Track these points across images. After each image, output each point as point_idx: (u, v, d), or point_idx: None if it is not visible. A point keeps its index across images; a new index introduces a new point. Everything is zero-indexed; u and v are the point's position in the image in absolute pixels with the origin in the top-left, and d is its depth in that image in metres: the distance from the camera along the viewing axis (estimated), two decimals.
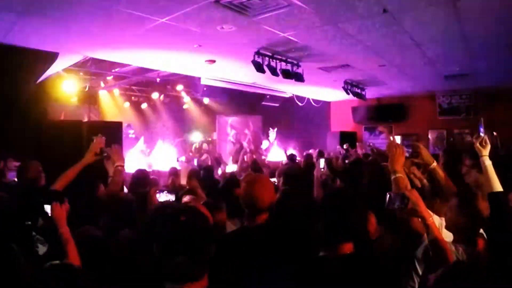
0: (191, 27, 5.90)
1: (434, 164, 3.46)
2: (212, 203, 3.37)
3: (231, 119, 16.55)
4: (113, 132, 6.66)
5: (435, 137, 13.59)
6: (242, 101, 14.63)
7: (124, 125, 10.42)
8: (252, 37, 6.58)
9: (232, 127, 16.44)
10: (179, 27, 5.84)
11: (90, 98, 12.95)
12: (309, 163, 7.09)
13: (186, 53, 7.68)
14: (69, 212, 3.01)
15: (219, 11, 5.19)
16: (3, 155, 6.24)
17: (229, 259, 2.37)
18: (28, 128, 6.91)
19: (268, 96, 13.30)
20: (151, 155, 13.53)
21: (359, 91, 11.82)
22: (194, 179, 5.84)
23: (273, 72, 7.69)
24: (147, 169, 7.29)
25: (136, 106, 15.25)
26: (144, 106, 15.23)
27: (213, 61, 8.39)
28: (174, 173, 7.04)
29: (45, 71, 7.41)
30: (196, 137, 15.63)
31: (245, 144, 13.37)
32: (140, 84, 13.49)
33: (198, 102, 15.82)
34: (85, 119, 11.96)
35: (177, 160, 10.94)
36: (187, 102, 15.63)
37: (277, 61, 7.80)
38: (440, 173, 3.42)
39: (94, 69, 10.57)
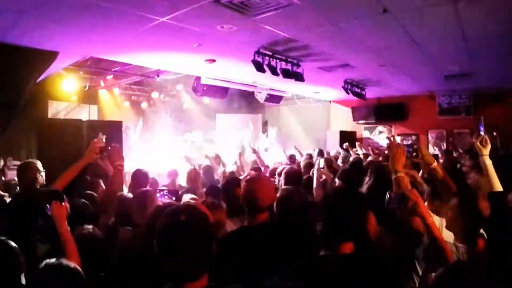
0: (191, 26, 5.89)
1: (435, 164, 3.47)
2: (212, 202, 3.37)
3: (231, 119, 16.54)
4: (113, 132, 6.67)
5: (434, 137, 13.60)
6: (242, 100, 14.64)
7: (124, 125, 10.41)
8: (252, 37, 6.58)
9: (232, 127, 16.43)
10: (179, 26, 5.83)
11: (90, 97, 12.95)
12: (309, 163, 7.08)
13: (186, 53, 7.67)
14: (69, 212, 3.01)
15: (219, 10, 5.18)
16: (3, 154, 6.25)
17: (229, 258, 2.37)
18: (28, 127, 6.92)
19: (268, 96, 13.29)
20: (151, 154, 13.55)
21: (359, 90, 11.82)
22: (193, 179, 5.85)
23: (273, 71, 7.69)
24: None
25: (136, 105, 15.24)
26: (144, 105, 15.23)
27: (213, 61, 8.39)
28: (174, 172, 7.04)
29: (45, 70, 7.40)
30: (196, 137, 15.60)
31: (245, 143, 13.36)
32: (140, 83, 13.49)
33: (197, 101, 15.81)
34: (85, 118, 11.94)
35: (177, 160, 10.92)
36: (187, 101, 15.62)
37: (277, 60, 7.80)
38: (441, 172, 3.43)
39: (94, 68, 10.57)
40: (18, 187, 4.58)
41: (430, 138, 13.61)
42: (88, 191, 4.71)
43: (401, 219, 2.65)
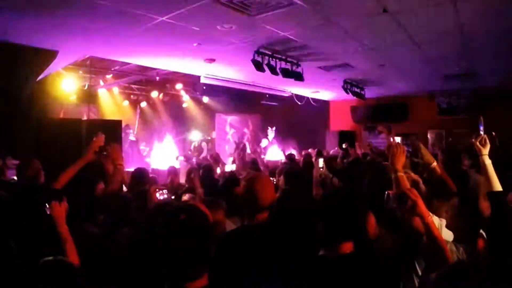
0: (191, 25, 5.89)
1: (434, 163, 3.47)
2: (211, 201, 3.37)
3: (230, 118, 16.56)
4: (112, 131, 6.67)
5: (434, 137, 13.60)
6: (241, 100, 14.63)
7: (123, 125, 10.40)
8: (252, 36, 6.58)
9: (231, 126, 16.45)
10: (179, 25, 5.83)
11: (89, 97, 12.91)
12: (308, 163, 7.08)
13: (185, 52, 7.67)
14: (68, 211, 3.01)
15: (219, 9, 5.18)
16: (2, 153, 6.24)
17: (229, 258, 2.37)
18: (28, 126, 6.91)
19: (267, 95, 13.29)
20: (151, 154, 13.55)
21: (358, 90, 11.83)
22: (193, 178, 5.85)
23: (273, 71, 7.69)
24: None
25: (135, 104, 15.22)
26: (143, 104, 15.21)
27: (213, 60, 8.39)
28: (173, 171, 7.03)
29: (44, 69, 7.40)
30: (195, 136, 15.61)
31: (246, 142, 13.39)
32: (139, 82, 13.47)
33: (197, 100, 15.80)
34: (84, 118, 11.93)
35: (176, 159, 10.93)
36: (186, 101, 15.60)
37: (277, 60, 7.80)
38: (440, 172, 3.43)
39: (94, 67, 10.56)
40: (17, 186, 4.57)
41: (429, 138, 13.61)
42: (88, 190, 4.71)
43: (401, 218, 2.65)
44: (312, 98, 14.62)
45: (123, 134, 9.90)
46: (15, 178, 5.16)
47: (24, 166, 4.26)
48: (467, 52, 7.73)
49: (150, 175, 5.88)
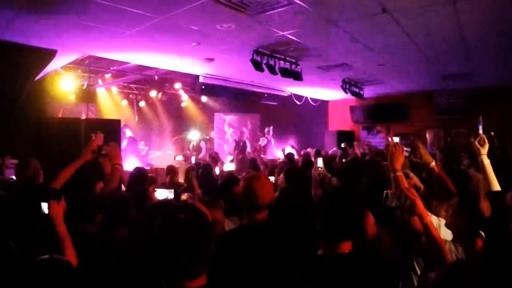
0: (190, 25, 5.89)
1: (433, 163, 3.47)
2: (210, 200, 3.37)
3: (229, 118, 16.57)
4: (111, 130, 6.67)
5: (432, 137, 13.61)
6: (240, 99, 14.64)
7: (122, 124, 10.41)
8: (251, 36, 6.58)
9: (230, 126, 16.46)
10: (178, 25, 5.83)
11: (88, 96, 12.93)
12: (307, 162, 7.08)
13: (184, 51, 7.67)
14: (67, 210, 3.01)
15: (218, 9, 5.18)
16: (1, 152, 6.23)
17: (227, 257, 2.37)
18: (26, 126, 6.90)
19: (266, 95, 13.29)
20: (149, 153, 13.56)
21: (357, 90, 11.83)
22: (191, 177, 5.84)
23: (272, 70, 7.69)
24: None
25: (133, 104, 15.22)
26: (142, 104, 15.22)
27: (212, 60, 8.39)
28: (172, 170, 7.03)
29: (43, 68, 7.40)
30: (193, 135, 15.62)
31: (246, 140, 13.40)
32: (138, 82, 13.48)
33: (196, 100, 15.82)
34: (83, 117, 11.93)
35: (175, 158, 10.94)
36: (185, 100, 15.62)
37: (276, 59, 7.80)
38: (439, 172, 3.43)
39: (92, 66, 10.56)
40: (16, 186, 4.56)
41: (428, 137, 13.62)
42: (86, 190, 4.71)
43: (400, 218, 2.65)
44: (311, 98, 14.62)
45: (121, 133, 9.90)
46: (14, 177, 5.16)
47: (24, 165, 4.25)
48: (465, 52, 7.74)
49: (149, 175, 5.89)
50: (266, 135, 16.19)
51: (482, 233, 2.64)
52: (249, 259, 2.42)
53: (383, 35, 6.57)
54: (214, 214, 2.77)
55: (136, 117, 15.23)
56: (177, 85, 13.38)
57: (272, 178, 5.50)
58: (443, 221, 2.93)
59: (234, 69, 9.54)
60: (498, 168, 3.48)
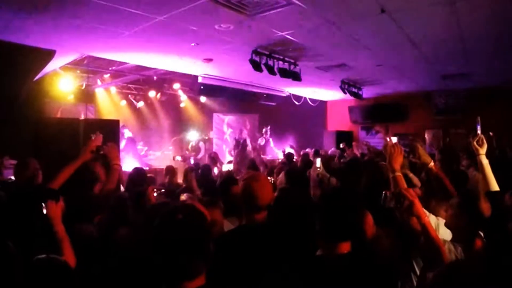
0: (189, 25, 5.89)
1: (432, 163, 3.48)
2: (209, 201, 3.37)
3: (228, 118, 16.57)
4: (110, 130, 6.66)
5: (431, 137, 13.61)
6: (239, 99, 14.64)
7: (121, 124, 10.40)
8: (249, 36, 6.58)
9: (229, 126, 16.46)
10: (177, 25, 5.83)
11: (86, 96, 12.92)
12: (306, 162, 7.09)
13: (183, 52, 7.67)
14: (65, 211, 3.00)
15: (217, 9, 5.18)
16: None
17: (226, 258, 2.37)
18: (25, 126, 6.89)
19: (265, 95, 13.30)
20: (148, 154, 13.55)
21: (356, 90, 11.83)
22: (190, 177, 5.84)
23: (271, 71, 7.69)
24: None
25: (132, 104, 15.21)
26: (140, 104, 15.21)
27: (211, 60, 8.39)
28: (171, 171, 7.04)
29: (42, 68, 7.39)
30: (192, 136, 15.62)
31: (247, 138, 13.39)
32: (137, 82, 13.47)
33: (195, 100, 15.82)
34: (82, 117, 11.92)
35: (174, 159, 10.94)
36: (184, 101, 15.62)
37: (275, 60, 7.80)
38: (438, 172, 3.44)
39: (91, 67, 10.55)
40: (15, 186, 4.56)
41: (426, 137, 13.63)
42: (85, 190, 4.70)
43: (399, 218, 2.65)
44: (309, 98, 14.63)
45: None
46: (12, 178, 5.15)
47: (23, 166, 4.25)
48: (464, 52, 7.74)
49: (148, 175, 5.89)
50: (264, 135, 16.20)
51: (481, 233, 2.65)
52: (248, 260, 2.42)
53: (382, 36, 6.57)
54: (213, 214, 2.78)
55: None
56: (176, 86, 13.38)
57: (270, 178, 5.51)
58: (441, 221, 2.93)
59: (233, 69, 9.54)
60: (497, 168, 3.49)
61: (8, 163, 6.19)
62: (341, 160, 8.23)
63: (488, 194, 3.02)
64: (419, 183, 3.64)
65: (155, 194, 3.96)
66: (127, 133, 13.77)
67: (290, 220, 2.88)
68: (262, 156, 11.95)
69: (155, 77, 12.09)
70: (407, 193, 2.41)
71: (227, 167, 8.22)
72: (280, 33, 6.40)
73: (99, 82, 12.77)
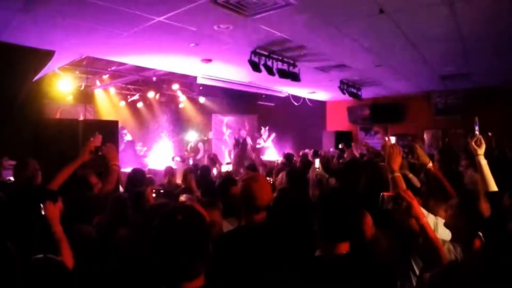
0: (188, 26, 5.90)
1: (430, 164, 3.48)
2: (208, 202, 3.37)
3: (227, 119, 16.57)
4: (109, 131, 6.65)
5: (430, 137, 13.62)
6: (238, 100, 14.63)
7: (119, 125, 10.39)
8: (248, 37, 6.59)
9: (228, 127, 16.45)
10: (176, 26, 5.83)
11: (86, 97, 12.91)
12: (306, 163, 7.09)
13: (182, 52, 7.67)
14: (64, 211, 3.01)
15: (216, 10, 5.19)
16: None
17: (226, 258, 2.37)
18: (24, 127, 6.89)
19: (264, 96, 13.30)
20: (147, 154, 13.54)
21: (355, 91, 11.84)
22: (189, 178, 5.84)
23: (270, 71, 7.70)
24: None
25: (131, 105, 15.20)
26: (139, 105, 15.20)
27: (210, 60, 8.39)
28: (170, 172, 7.03)
29: (41, 69, 7.38)
30: (191, 136, 15.61)
31: (248, 137, 13.37)
32: (136, 83, 13.47)
33: (194, 101, 15.81)
34: (81, 118, 11.91)
35: (173, 160, 10.94)
36: (183, 101, 15.61)
37: (274, 60, 7.81)
38: (436, 172, 3.44)
39: (90, 67, 10.55)
40: (14, 186, 4.56)
41: (426, 138, 13.64)
42: (84, 191, 4.71)
43: (398, 219, 2.65)
44: (308, 99, 14.64)
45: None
46: (12, 178, 5.15)
47: (23, 166, 4.25)
48: (464, 52, 7.75)
49: (147, 176, 5.89)
50: (262, 136, 16.21)
51: (480, 234, 2.65)
52: (247, 260, 2.42)
53: (381, 36, 6.58)
54: (212, 215, 2.78)
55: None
56: (175, 86, 13.38)
57: (269, 179, 5.51)
58: (440, 220, 2.94)
59: (232, 70, 9.54)
60: (496, 168, 3.49)
61: (7, 164, 6.19)
62: (340, 161, 8.24)
63: (487, 195, 3.02)
64: (419, 184, 3.64)
65: (154, 195, 3.96)
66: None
67: (289, 221, 2.89)
68: (261, 156, 11.97)
69: (154, 78, 12.09)
70: (405, 194, 2.41)
71: (226, 167, 8.22)
72: (279, 34, 6.40)
73: (98, 83, 12.77)
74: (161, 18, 5.50)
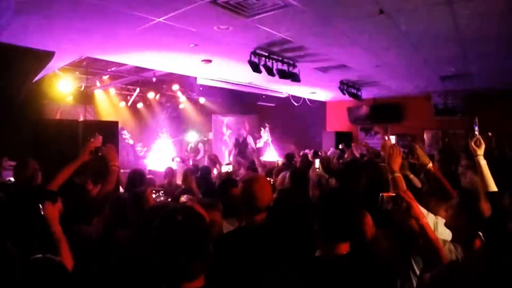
0: (188, 26, 5.89)
1: (430, 164, 3.48)
2: (208, 202, 3.37)
3: (227, 119, 16.56)
4: (109, 132, 6.65)
5: (430, 137, 13.63)
6: (238, 101, 14.62)
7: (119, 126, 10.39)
8: (248, 37, 6.59)
9: (228, 127, 16.45)
10: (176, 26, 5.83)
11: (86, 98, 12.91)
12: (306, 163, 7.09)
13: (182, 53, 7.67)
14: (63, 211, 3.01)
15: (216, 10, 5.19)
16: None
17: (226, 259, 2.37)
18: (24, 128, 6.89)
19: (264, 96, 13.30)
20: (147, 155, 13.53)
21: (354, 91, 11.83)
22: (190, 179, 5.85)
23: (269, 72, 7.70)
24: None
25: (131, 105, 15.20)
26: (139, 105, 15.21)
27: (210, 61, 8.39)
28: (170, 173, 7.04)
29: (41, 70, 7.39)
30: (191, 137, 15.61)
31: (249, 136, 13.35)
32: (136, 83, 13.47)
33: (194, 101, 15.82)
34: (81, 119, 11.92)
35: (173, 160, 10.93)
36: (183, 102, 15.61)
37: (274, 61, 7.80)
38: (436, 173, 3.44)
39: (90, 68, 10.55)
40: (14, 187, 4.57)
41: (425, 138, 13.65)
42: (84, 191, 4.71)
43: (398, 219, 2.65)
44: (308, 99, 14.63)
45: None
46: (12, 179, 5.16)
47: (23, 166, 4.25)
48: (463, 53, 7.75)
49: (147, 176, 5.89)
50: (262, 136, 16.21)
51: (480, 234, 2.65)
52: (247, 261, 2.43)
53: (381, 36, 6.57)
54: (212, 215, 2.78)
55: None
56: (175, 87, 13.39)
57: (269, 179, 5.50)
58: (440, 220, 2.94)
59: (232, 70, 9.54)
60: (496, 168, 3.49)
61: (7, 164, 6.20)
62: (340, 161, 8.24)
63: (486, 195, 3.02)
64: (419, 184, 3.64)
65: (154, 196, 3.96)
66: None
67: (289, 221, 2.89)
68: (261, 158, 11.96)
69: (154, 79, 12.09)
70: (405, 195, 2.41)
71: (226, 168, 8.21)
72: (279, 34, 6.40)
73: (98, 83, 12.78)
74: (161, 19, 5.50)
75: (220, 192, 4.22)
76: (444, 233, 2.74)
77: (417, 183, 4.16)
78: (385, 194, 2.44)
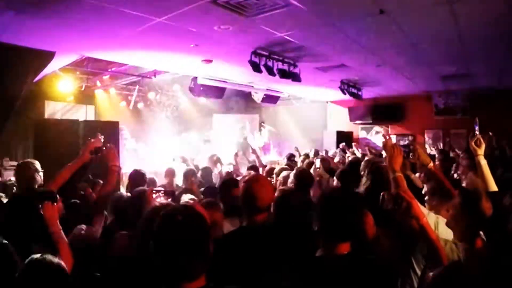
0: (188, 26, 5.89)
1: (431, 164, 3.48)
2: (209, 202, 3.37)
3: (227, 119, 16.55)
4: (109, 132, 6.66)
5: (431, 137, 13.62)
6: (238, 100, 14.61)
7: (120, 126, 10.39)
8: (249, 37, 6.58)
9: (228, 127, 16.44)
10: (176, 26, 5.83)
11: (86, 97, 12.92)
12: (309, 162, 7.09)
13: (183, 53, 7.67)
14: (62, 212, 3.01)
15: (216, 10, 5.18)
16: None
17: (227, 259, 2.37)
18: (25, 128, 6.90)
19: (265, 96, 13.29)
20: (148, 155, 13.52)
21: (355, 91, 11.83)
22: (190, 179, 5.85)
23: (270, 72, 7.69)
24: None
25: (132, 105, 15.19)
26: (140, 105, 15.20)
27: (210, 61, 8.39)
28: (171, 173, 7.03)
29: (42, 70, 7.38)
30: (192, 137, 15.58)
31: (250, 139, 13.33)
32: (136, 83, 13.47)
33: (194, 101, 15.80)
34: (82, 119, 11.93)
35: (173, 160, 10.92)
36: (183, 102, 15.60)
37: (274, 61, 7.80)
38: (437, 172, 3.44)
39: (91, 68, 10.55)
40: (15, 188, 4.58)
41: (426, 138, 13.64)
42: (83, 192, 4.73)
43: (399, 219, 2.65)
44: (309, 99, 14.63)
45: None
46: (12, 179, 5.17)
47: (23, 167, 4.25)
48: (464, 53, 7.74)
49: (148, 177, 5.88)
50: (262, 136, 16.21)
51: (482, 234, 2.64)
52: (248, 261, 2.42)
53: (381, 36, 6.57)
54: (213, 215, 2.78)
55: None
56: (176, 87, 13.38)
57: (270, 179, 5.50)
58: (441, 219, 2.93)
59: (233, 70, 9.54)
60: (497, 168, 3.50)
61: (7, 165, 6.21)
62: (342, 161, 8.24)
63: (487, 195, 3.02)
64: (421, 184, 3.64)
65: (154, 196, 3.96)
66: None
67: (290, 221, 2.89)
68: (262, 155, 11.95)
69: (154, 79, 12.09)
70: (405, 194, 2.41)
71: (226, 168, 8.21)
72: (279, 34, 6.40)
73: (98, 83, 12.78)
74: (161, 19, 5.50)
75: (221, 192, 4.22)
76: (444, 233, 2.74)
77: (419, 183, 4.16)
78: (385, 194, 2.44)
